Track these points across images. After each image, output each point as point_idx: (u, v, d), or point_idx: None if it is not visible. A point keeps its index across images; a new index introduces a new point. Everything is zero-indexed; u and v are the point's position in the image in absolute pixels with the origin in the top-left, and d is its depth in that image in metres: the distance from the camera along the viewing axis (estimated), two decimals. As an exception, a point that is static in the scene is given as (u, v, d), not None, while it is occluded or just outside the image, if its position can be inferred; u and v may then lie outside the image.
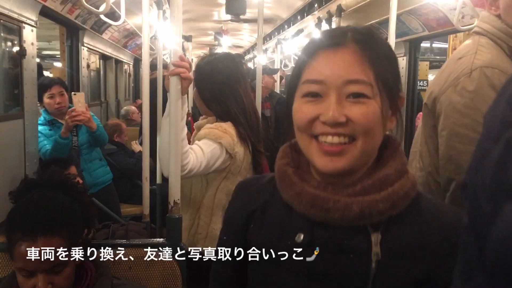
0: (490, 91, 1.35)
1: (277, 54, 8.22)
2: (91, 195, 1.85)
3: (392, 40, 3.39)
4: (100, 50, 6.47)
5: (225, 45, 9.50)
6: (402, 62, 5.72)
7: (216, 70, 1.92)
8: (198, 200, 1.88)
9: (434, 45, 13.85)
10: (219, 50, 11.12)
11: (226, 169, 1.83)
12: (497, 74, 1.37)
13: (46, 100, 3.36)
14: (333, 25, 5.34)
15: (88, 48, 5.73)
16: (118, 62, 8.08)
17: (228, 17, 7.75)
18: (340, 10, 5.08)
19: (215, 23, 9.40)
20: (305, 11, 7.25)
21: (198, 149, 1.73)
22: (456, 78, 1.45)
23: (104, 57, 7.17)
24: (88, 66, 5.77)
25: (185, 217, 1.85)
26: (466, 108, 1.40)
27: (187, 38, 9.03)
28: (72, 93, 3.35)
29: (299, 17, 7.54)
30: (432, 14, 4.68)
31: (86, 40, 5.51)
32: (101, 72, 7.08)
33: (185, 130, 1.69)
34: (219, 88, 1.90)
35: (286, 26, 8.45)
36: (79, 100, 3.24)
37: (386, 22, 3.66)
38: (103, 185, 3.58)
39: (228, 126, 1.84)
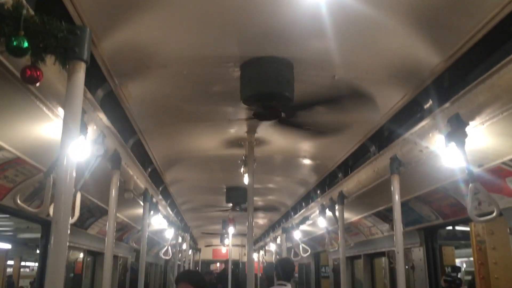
0: None
1: (283, 243, 8.42)
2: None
3: (399, 230, 3.39)
4: (84, 246, 6.37)
5: (231, 233, 9.83)
6: (419, 253, 5.53)
7: None
8: None
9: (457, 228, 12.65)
10: (226, 238, 11.45)
11: None
12: None
13: None
14: (337, 213, 5.68)
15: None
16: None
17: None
18: (342, 197, 5.16)
19: (220, 211, 9.96)
20: (310, 197, 7.67)
21: None
22: None
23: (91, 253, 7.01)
24: None
25: None
26: None
27: (186, 229, 9.51)
28: None
29: (303, 204, 8.09)
30: (443, 201, 4.44)
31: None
32: (84, 270, 6.89)
33: None
34: None
35: (292, 213, 8.88)
36: None
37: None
38: None
39: None
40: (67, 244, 1.78)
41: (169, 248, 8.05)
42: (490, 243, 5.59)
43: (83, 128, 2.69)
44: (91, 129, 2.90)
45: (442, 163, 3.21)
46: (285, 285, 5.95)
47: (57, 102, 2.41)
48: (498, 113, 2.48)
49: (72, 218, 3.17)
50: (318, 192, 6.90)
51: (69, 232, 1.84)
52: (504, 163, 3.16)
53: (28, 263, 26.89)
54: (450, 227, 12.52)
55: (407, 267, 5.65)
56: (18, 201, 2.66)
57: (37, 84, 1.70)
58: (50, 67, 1.83)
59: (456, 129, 2.66)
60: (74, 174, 1.82)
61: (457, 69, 2.96)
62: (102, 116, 3.07)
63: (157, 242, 11.13)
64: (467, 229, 11.21)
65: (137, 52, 2.95)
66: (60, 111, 2.47)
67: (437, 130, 2.91)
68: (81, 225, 5.70)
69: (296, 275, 15.82)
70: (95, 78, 3.18)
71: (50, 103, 2.44)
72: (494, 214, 2.72)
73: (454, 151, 2.73)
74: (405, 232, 4.39)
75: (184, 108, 3.96)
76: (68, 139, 1.81)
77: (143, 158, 5.17)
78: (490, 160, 3.22)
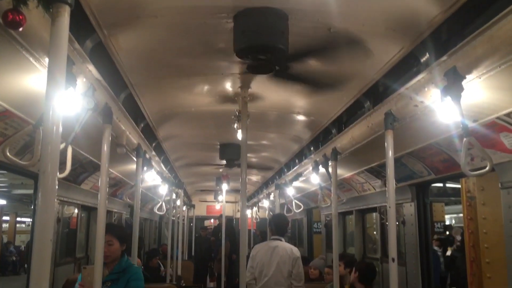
0: None
1: (276, 199, 8.51)
2: None
3: (391, 185, 3.35)
4: (78, 202, 6.46)
5: (224, 190, 9.92)
6: (410, 208, 5.60)
7: None
8: None
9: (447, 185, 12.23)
10: (219, 195, 11.61)
11: None
12: None
13: None
14: (330, 169, 5.68)
15: (60, 200, 5.75)
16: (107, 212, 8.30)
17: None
18: (335, 153, 5.04)
19: (214, 168, 10.01)
20: (303, 154, 7.56)
21: None
22: None
23: (85, 208, 7.21)
24: (58, 220, 5.78)
25: None
26: None
27: (179, 185, 9.56)
28: (83, 266, 3.72)
29: (297, 161, 8.05)
30: (436, 156, 4.40)
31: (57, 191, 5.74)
32: (78, 225, 7.00)
33: None
34: None
35: (285, 170, 8.94)
36: (89, 274, 3.46)
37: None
38: None
39: None
40: (56, 196, 1.76)
41: (163, 204, 8.11)
42: (480, 199, 5.67)
43: (72, 80, 2.62)
44: (81, 82, 2.83)
45: (437, 118, 3.19)
46: (280, 239, 6.11)
47: (44, 52, 2.33)
48: (496, 66, 2.43)
49: (64, 172, 3.17)
50: (312, 148, 6.90)
51: (61, 186, 1.83)
52: (499, 118, 3.14)
53: (24, 219, 27.26)
54: (440, 184, 12.74)
55: (397, 223, 5.75)
56: (8, 154, 2.63)
57: (20, 29, 1.64)
58: (33, 12, 1.76)
59: (453, 82, 2.62)
60: (61, 124, 1.78)
61: (456, 21, 2.89)
62: (91, 68, 2.99)
63: (151, 198, 11.23)
64: (457, 186, 11.38)
65: (127, 1, 2.84)
66: (47, 61, 2.39)
67: (433, 84, 2.87)
68: (74, 180, 5.70)
69: (289, 230, 16.16)
70: (83, 29, 3.07)
71: (37, 53, 2.37)
72: (487, 168, 2.72)
73: (450, 106, 2.70)
74: (397, 188, 4.41)
75: (176, 62, 3.88)
76: (53, 88, 1.76)
77: (135, 113, 5.11)
78: (485, 115, 3.20)
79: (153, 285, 7.23)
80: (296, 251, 6.18)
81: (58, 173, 1.81)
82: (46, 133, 1.76)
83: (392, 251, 3.36)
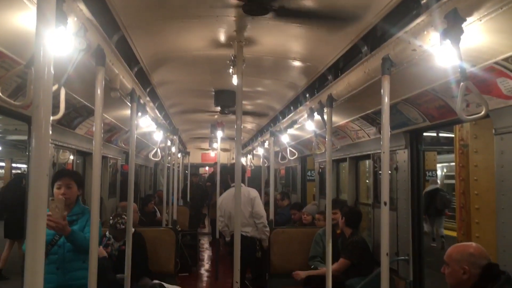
0: None
1: (271, 146, 8.55)
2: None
3: (386, 131, 3.29)
4: (73, 146, 6.37)
5: (219, 137, 9.93)
6: (404, 154, 5.51)
7: None
8: None
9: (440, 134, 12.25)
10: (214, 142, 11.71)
11: None
12: None
13: (54, 189, 4.13)
14: (325, 116, 5.65)
15: (55, 144, 5.66)
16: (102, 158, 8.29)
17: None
18: (331, 100, 4.90)
19: (209, 115, 9.99)
20: (298, 101, 7.31)
21: None
22: None
23: (81, 153, 7.15)
24: (54, 164, 5.75)
25: None
26: None
27: (174, 132, 9.55)
28: (50, 198, 3.77)
29: (292, 108, 7.79)
30: (431, 103, 4.32)
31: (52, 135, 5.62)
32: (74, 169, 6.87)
33: None
34: None
35: (280, 117, 8.95)
36: (57, 206, 3.60)
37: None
38: None
39: None
40: (50, 135, 1.74)
41: (158, 150, 8.14)
42: (473, 147, 5.75)
43: (63, 18, 2.54)
44: (72, 21, 2.75)
45: (435, 63, 3.16)
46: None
47: (33, -13, 2.26)
48: (497, 8, 2.38)
49: (57, 114, 3.15)
50: (307, 95, 6.86)
51: (56, 131, 1.81)
52: (496, 62, 3.11)
53: (19, 165, 27.45)
54: (434, 134, 12.81)
55: (390, 172, 5.83)
56: (0, 94, 2.60)
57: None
58: None
59: (453, 25, 2.56)
60: (52, 63, 1.74)
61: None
62: (82, 7, 2.90)
63: (147, 145, 11.27)
64: (450, 135, 11.40)
65: None
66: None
67: (433, 27, 2.81)
68: (68, 124, 5.68)
69: (282, 181, 16.41)
70: (72, -35, 2.95)
71: (25, -11, 2.29)
72: (483, 112, 2.73)
73: (449, 49, 2.65)
74: (391, 135, 4.43)
75: (169, 2, 3.76)
76: (44, 26, 1.71)
77: (129, 57, 5.01)
78: (483, 60, 3.16)
79: (150, 228, 7.40)
80: (253, 192, 7.14)
81: (51, 115, 1.79)
82: (38, 71, 1.73)
83: (385, 195, 3.42)
